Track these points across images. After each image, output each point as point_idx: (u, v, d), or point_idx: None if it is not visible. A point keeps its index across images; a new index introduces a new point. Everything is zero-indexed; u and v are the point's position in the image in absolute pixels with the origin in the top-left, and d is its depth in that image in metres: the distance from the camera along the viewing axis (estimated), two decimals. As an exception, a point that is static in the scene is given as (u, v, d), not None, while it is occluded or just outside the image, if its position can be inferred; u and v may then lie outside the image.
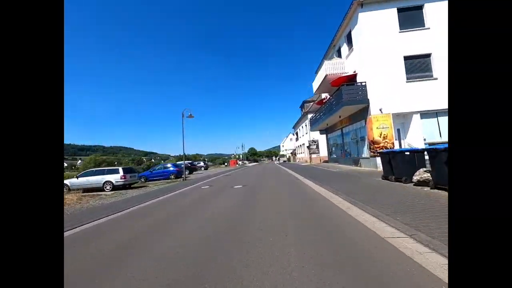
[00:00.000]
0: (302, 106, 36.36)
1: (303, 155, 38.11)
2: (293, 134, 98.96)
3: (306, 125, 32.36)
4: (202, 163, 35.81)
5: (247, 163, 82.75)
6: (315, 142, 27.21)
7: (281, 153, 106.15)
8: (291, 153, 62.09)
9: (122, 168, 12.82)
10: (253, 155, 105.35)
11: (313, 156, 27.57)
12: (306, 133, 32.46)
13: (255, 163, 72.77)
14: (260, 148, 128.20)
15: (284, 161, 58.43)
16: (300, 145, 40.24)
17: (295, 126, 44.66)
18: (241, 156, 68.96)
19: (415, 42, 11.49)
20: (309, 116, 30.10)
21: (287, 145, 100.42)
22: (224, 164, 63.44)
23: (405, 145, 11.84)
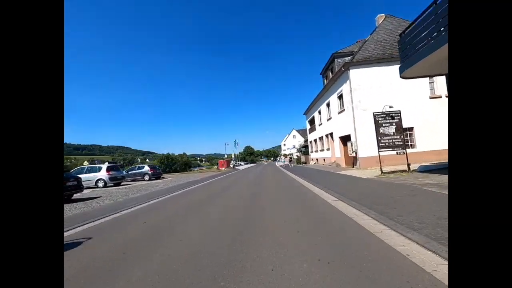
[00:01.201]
0: (328, 68, 21.13)
1: (326, 154, 22.84)
2: (296, 133, 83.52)
3: (340, 97, 17.10)
4: (146, 168, 20.17)
5: (242, 164, 67.69)
6: (394, 114, 9.52)
7: (283, 152, 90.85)
8: (299, 151, 46.99)
9: None
10: (250, 155, 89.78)
11: (389, 153, 9.78)
12: (341, 111, 17.17)
13: (252, 164, 57.46)
14: (258, 148, 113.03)
15: (303, 162, 34.57)
16: (319, 138, 25.02)
17: (309, 111, 29.48)
18: (233, 156, 53.76)
19: None
20: (352, 72, 14.61)
21: (290, 143, 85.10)
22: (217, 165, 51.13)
23: None
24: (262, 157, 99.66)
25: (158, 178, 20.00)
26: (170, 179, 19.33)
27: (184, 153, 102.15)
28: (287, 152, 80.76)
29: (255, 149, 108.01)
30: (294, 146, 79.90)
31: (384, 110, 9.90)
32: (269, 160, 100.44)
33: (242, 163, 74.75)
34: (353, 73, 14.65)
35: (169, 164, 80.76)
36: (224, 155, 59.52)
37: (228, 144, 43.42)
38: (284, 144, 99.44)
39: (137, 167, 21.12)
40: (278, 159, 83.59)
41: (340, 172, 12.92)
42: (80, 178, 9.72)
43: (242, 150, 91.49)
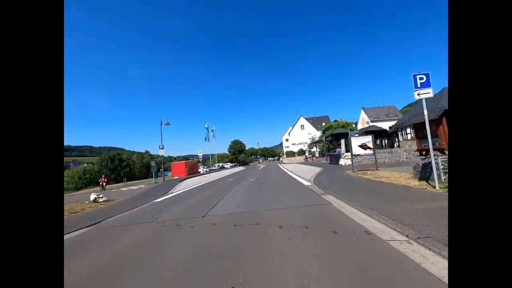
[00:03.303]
0: None
1: None
2: (305, 122, 60.25)
3: None
4: None
5: (227, 167, 42.58)
6: None
7: (285, 150, 66.55)
8: (322, 143, 23.73)
9: None
10: (239, 153, 65.43)
11: None
12: None
13: (239, 169, 33.27)
14: (251, 145, 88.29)
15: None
16: None
17: None
18: (200, 155, 29.76)
19: None
20: None
21: (296, 137, 60.73)
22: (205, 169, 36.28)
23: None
24: (258, 156, 75.49)
25: None
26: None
27: (147, 151, 76.84)
28: (294, 149, 56.65)
29: (248, 147, 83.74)
30: (295, 144, 55.89)
31: None
32: (267, 161, 76.19)
33: (228, 165, 50.68)
34: None
35: (116, 168, 52.68)
36: (219, 154, 34.79)
37: (169, 123, 19.21)
38: (287, 140, 75.01)
39: None
40: (281, 159, 59.51)
41: None
42: None
43: (229, 147, 67.06)
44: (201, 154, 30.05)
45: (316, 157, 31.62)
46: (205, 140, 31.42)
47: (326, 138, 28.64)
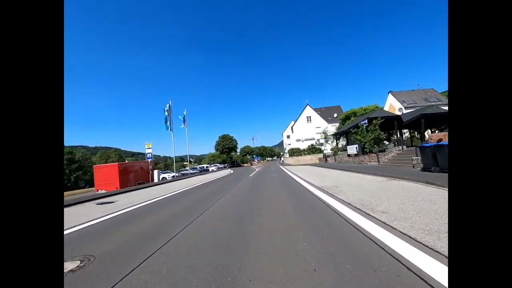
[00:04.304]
0: None
1: None
2: (313, 113, 49.57)
3: None
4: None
5: (213, 169, 31.29)
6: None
7: (287, 147, 55.21)
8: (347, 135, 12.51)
9: None
10: (229, 150, 53.56)
11: None
12: None
13: (227, 172, 21.87)
14: (244, 142, 76.09)
15: None
16: None
17: None
18: (147, 153, 17.77)
19: None
20: None
21: (301, 132, 49.43)
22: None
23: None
24: (254, 155, 63.66)
25: None
26: None
27: (116, 149, 64.51)
28: (300, 146, 45.28)
29: (244, 145, 71.87)
30: (302, 140, 44.44)
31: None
32: (266, 161, 64.58)
33: (214, 167, 39.44)
34: None
35: (64, 171, 38.37)
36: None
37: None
38: (288, 136, 63.84)
39: None
40: (283, 159, 48.26)
41: None
42: None
43: (216, 144, 54.96)
44: (150, 150, 17.85)
45: (350, 155, 18.66)
46: (168, 128, 20.11)
47: (375, 121, 16.38)
